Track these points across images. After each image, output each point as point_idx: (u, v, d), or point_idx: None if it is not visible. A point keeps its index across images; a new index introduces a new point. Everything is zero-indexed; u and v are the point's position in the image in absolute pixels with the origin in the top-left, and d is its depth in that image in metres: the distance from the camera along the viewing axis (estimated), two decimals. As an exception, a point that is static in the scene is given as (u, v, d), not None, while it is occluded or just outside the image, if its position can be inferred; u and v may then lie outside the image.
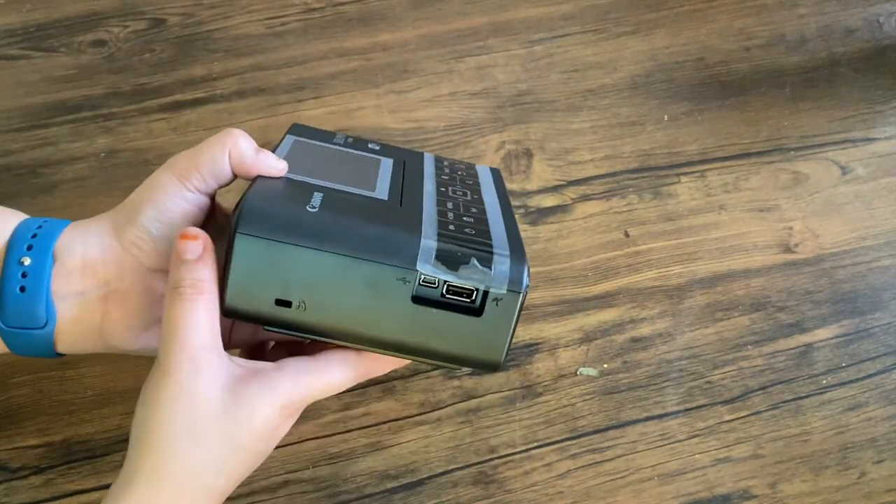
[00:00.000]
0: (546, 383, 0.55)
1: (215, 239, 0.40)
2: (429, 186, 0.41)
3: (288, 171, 0.38)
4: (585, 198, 0.62)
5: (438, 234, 0.35)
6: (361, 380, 0.38)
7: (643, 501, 0.52)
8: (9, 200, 0.58)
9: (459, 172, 0.46)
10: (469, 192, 0.43)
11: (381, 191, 0.39)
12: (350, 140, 0.46)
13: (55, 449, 0.51)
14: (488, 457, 0.53)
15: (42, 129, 0.61)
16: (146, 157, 0.61)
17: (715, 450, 0.54)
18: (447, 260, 0.34)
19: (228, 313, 0.35)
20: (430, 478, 0.52)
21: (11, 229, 0.35)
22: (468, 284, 0.34)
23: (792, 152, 0.65)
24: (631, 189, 0.63)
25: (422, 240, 0.34)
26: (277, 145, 0.42)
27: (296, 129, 0.45)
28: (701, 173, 0.64)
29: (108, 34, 0.66)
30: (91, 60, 0.65)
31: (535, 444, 0.53)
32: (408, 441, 0.53)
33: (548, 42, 0.68)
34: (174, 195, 0.36)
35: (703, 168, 0.64)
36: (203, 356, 0.34)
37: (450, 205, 0.40)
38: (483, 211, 0.40)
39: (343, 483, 0.51)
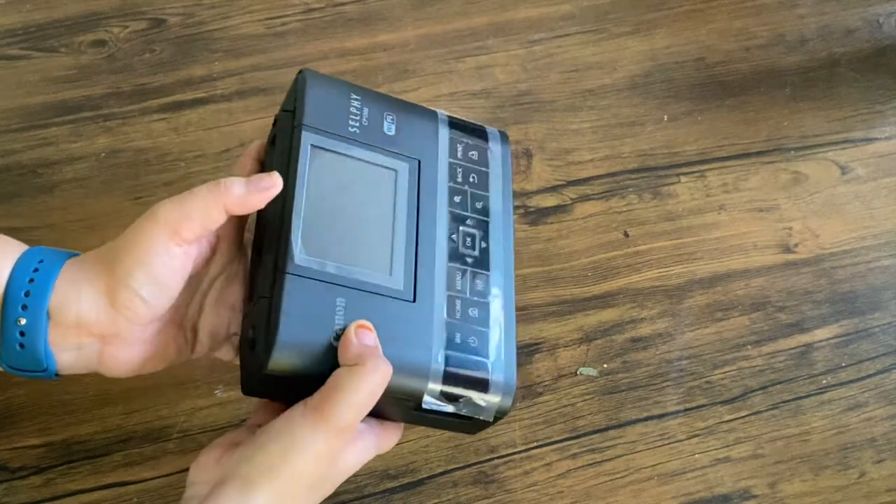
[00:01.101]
0: (546, 383, 0.55)
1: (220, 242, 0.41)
2: (441, 236, 0.42)
3: (306, 248, 0.38)
4: (585, 198, 0.62)
5: (445, 359, 0.39)
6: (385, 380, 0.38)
7: (643, 501, 0.52)
8: (9, 200, 0.58)
9: (472, 178, 0.45)
10: (478, 226, 0.44)
11: (397, 274, 0.40)
12: (366, 122, 0.42)
13: (55, 449, 0.51)
14: (488, 457, 0.53)
15: (42, 129, 0.61)
16: (146, 157, 0.61)
17: (715, 450, 0.54)
18: (451, 392, 0.39)
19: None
20: (430, 478, 0.52)
21: (6, 277, 0.36)
22: (463, 413, 0.40)
23: (792, 152, 0.65)
24: (631, 189, 0.63)
25: (430, 373, 0.38)
26: (291, 147, 0.40)
27: (310, 104, 0.41)
28: (701, 173, 0.64)
29: (109, 34, 0.66)
30: (91, 60, 0.65)
31: (535, 443, 0.53)
32: (408, 441, 0.53)
33: (548, 42, 0.68)
34: (163, 255, 0.36)
35: (703, 168, 0.64)
36: (358, 427, 0.37)
37: (458, 279, 0.42)
38: (488, 283, 0.42)
39: (343, 483, 0.51)
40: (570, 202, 0.62)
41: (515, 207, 0.61)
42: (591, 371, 0.56)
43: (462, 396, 0.39)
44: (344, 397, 0.35)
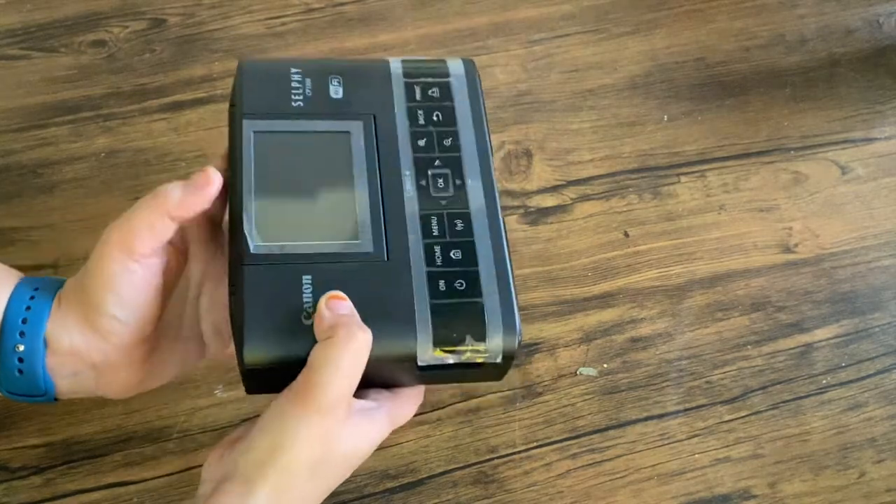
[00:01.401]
0: (546, 383, 0.55)
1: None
2: (408, 186, 0.40)
3: (260, 235, 0.37)
4: (585, 198, 0.62)
5: (431, 310, 0.37)
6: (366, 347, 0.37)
7: (643, 501, 0.52)
8: (9, 200, 0.58)
9: (435, 116, 0.42)
10: (448, 164, 0.41)
11: (364, 236, 0.38)
12: (309, 93, 0.41)
13: (55, 449, 0.51)
14: (488, 457, 0.53)
15: (42, 129, 0.61)
16: (146, 157, 0.61)
17: (715, 450, 0.54)
18: (445, 343, 0.36)
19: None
20: (430, 477, 0.52)
21: (2, 308, 0.37)
22: (468, 360, 0.37)
23: (792, 152, 0.65)
24: (631, 189, 0.63)
25: (417, 329, 0.36)
26: (236, 139, 0.39)
27: (248, 92, 0.40)
28: (701, 173, 0.64)
29: (109, 34, 0.66)
30: (91, 60, 0.65)
31: (535, 443, 0.53)
32: (408, 441, 0.53)
33: (548, 42, 0.68)
34: (123, 274, 0.36)
35: (703, 168, 0.64)
36: (352, 402, 0.36)
37: (435, 224, 0.39)
38: (469, 221, 0.40)
39: (343, 483, 0.51)
40: (570, 202, 0.62)
41: (515, 207, 0.61)
42: (591, 371, 0.56)
43: (459, 345, 0.36)
44: (323, 374, 0.34)
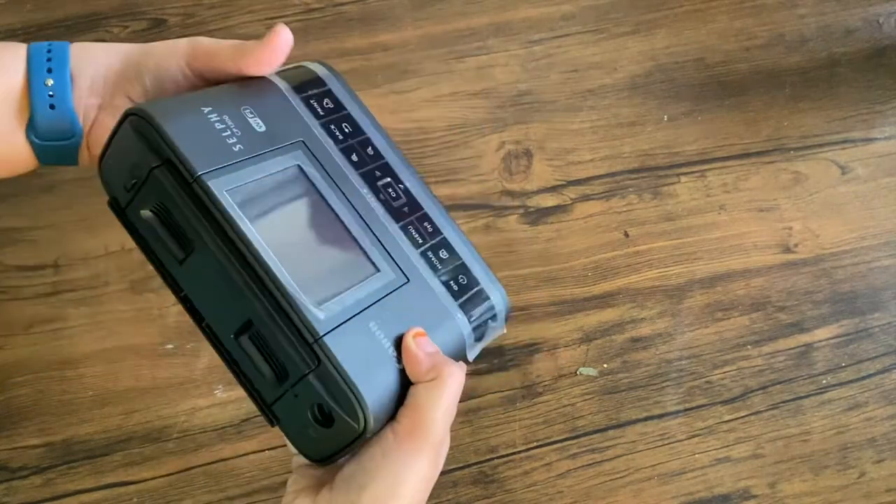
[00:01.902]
0: (546, 383, 0.55)
1: None
2: (373, 203, 0.39)
3: (314, 300, 0.34)
4: (585, 198, 0.62)
5: (461, 311, 0.39)
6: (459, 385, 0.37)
7: (643, 501, 0.52)
8: (9, 200, 0.58)
9: (345, 128, 0.41)
10: (385, 172, 0.41)
11: (381, 265, 0.37)
12: (238, 132, 0.37)
13: (55, 449, 0.51)
14: (488, 457, 0.53)
15: (42, 129, 0.61)
16: (146, 157, 0.61)
17: (715, 450, 0.54)
18: (478, 334, 0.39)
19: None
20: (430, 478, 0.52)
21: (24, 56, 0.39)
22: (490, 339, 0.40)
23: (792, 152, 0.65)
24: (631, 189, 0.63)
25: (463, 334, 0.38)
26: (206, 204, 0.34)
27: (186, 146, 0.34)
28: (701, 173, 0.64)
29: (109, 34, 0.66)
30: (91, 60, 0.65)
31: (535, 443, 0.53)
32: (408, 441, 0.53)
33: (548, 42, 0.68)
34: (176, 70, 0.39)
35: (703, 168, 0.64)
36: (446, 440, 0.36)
37: (414, 233, 0.40)
38: (431, 219, 0.41)
39: (343, 483, 0.51)
40: (570, 202, 0.62)
41: (515, 207, 0.61)
42: (591, 371, 0.56)
43: (486, 330, 0.39)
44: (433, 415, 0.34)
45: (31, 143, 0.39)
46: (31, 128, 0.39)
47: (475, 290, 0.40)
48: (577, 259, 0.59)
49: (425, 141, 0.63)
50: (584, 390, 0.55)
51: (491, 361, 0.55)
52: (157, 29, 0.66)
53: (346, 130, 0.41)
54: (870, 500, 0.53)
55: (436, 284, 0.38)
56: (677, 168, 0.64)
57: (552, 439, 0.53)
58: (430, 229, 0.40)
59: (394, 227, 0.39)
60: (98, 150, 0.38)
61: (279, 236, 0.34)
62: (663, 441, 0.54)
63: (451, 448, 0.52)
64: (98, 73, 0.39)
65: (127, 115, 0.34)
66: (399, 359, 0.35)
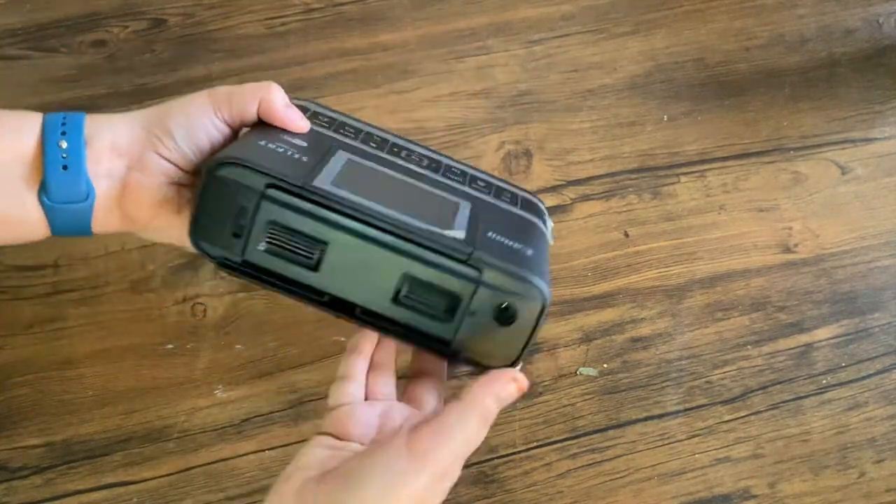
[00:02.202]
0: (546, 383, 0.55)
1: None
2: (412, 166, 0.44)
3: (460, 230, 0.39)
4: (585, 198, 0.62)
5: (536, 216, 0.44)
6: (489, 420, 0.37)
7: (643, 501, 0.52)
8: (9, 200, 0.58)
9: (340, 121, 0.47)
10: (428, 160, 0.46)
11: (458, 199, 0.42)
12: (306, 157, 0.41)
13: (55, 449, 0.51)
14: (488, 456, 0.53)
15: (42, 130, 0.61)
16: (146, 157, 0.61)
17: (715, 450, 0.54)
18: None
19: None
20: (429, 478, 0.52)
21: (39, 122, 0.40)
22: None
23: (791, 152, 0.65)
24: (631, 189, 0.63)
25: (546, 233, 0.44)
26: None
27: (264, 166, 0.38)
28: (700, 173, 0.64)
29: (109, 34, 0.66)
30: (91, 60, 0.65)
31: (535, 443, 0.53)
32: (408, 441, 0.53)
33: (548, 42, 0.68)
34: (203, 116, 0.41)
35: (703, 168, 0.64)
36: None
37: (452, 175, 0.45)
38: (463, 169, 0.47)
39: (343, 483, 0.51)
40: (570, 202, 0.62)
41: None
42: (591, 371, 0.56)
43: (548, 232, 0.45)
44: (455, 435, 0.34)
45: (43, 205, 0.39)
46: (44, 189, 0.39)
47: (524, 197, 0.45)
48: (577, 259, 0.59)
49: (425, 141, 0.63)
50: (584, 390, 0.55)
51: (491, 361, 0.55)
52: (157, 29, 0.66)
53: (352, 131, 0.45)
54: (870, 500, 0.53)
55: (498, 202, 0.44)
56: (677, 168, 0.64)
57: (552, 439, 0.53)
58: (460, 171, 0.46)
59: (438, 176, 0.44)
60: (134, 210, 0.40)
61: (383, 201, 0.38)
62: (663, 441, 0.54)
63: (451, 448, 0.52)
64: (119, 136, 0.40)
65: (212, 169, 0.37)
66: (527, 247, 0.39)
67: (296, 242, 0.38)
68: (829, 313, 0.59)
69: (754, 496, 0.53)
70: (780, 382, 0.56)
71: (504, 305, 0.38)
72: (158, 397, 0.53)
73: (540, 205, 0.47)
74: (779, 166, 0.64)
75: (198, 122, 0.41)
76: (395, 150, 0.46)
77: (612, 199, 0.62)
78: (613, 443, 0.54)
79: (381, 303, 0.38)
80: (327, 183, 0.38)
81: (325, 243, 0.37)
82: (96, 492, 0.50)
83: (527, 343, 0.39)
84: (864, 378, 0.57)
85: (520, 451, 0.53)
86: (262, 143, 0.39)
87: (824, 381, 0.57)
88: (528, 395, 0.55)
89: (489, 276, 0.37)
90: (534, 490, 0.52)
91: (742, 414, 0.55)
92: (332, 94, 0.64)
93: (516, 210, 0.45)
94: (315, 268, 0.38)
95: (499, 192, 0.46)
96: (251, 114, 0.41)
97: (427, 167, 0.45)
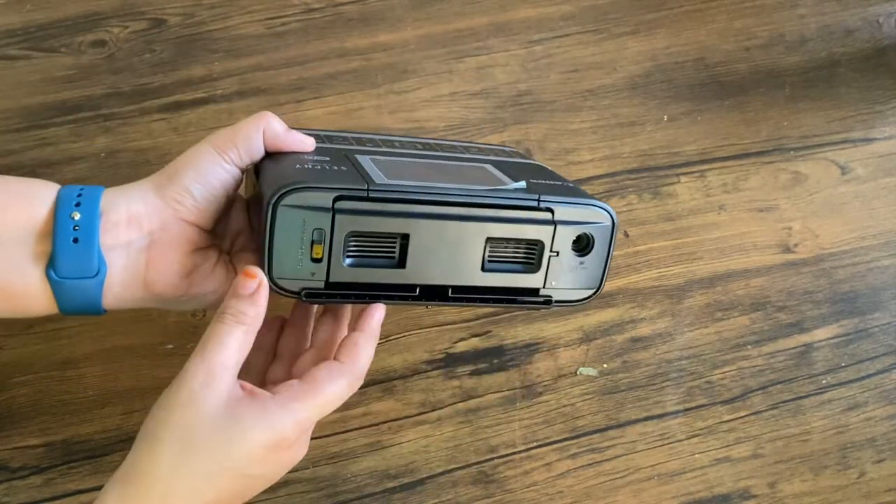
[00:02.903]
0: (546, 383, 0.55)
1: (234, 210, 0.44)
2: (422, 150, 0.46)
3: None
4: (585, 198, 0.62)
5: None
6: (356, 387, 0.39)
7: (643, 501, 0.52)
8: (9, 200, 0.58)
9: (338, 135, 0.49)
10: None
11: (508, 180, 0.42)
12: (339, 167, 0.42)
13: (55, 449, 0.51)
14: (488, 456, 0.53)
15: (42, 130, 0.61)
16: (146, 157, 0.61)
17: (715, 450, 0.54)
18: None
19: None
20: (429, 477, 0.52)
21: (54, 194, 0.38)
22: None
23: (791, 152, 0.65)
24: (631, 189, 0.63)
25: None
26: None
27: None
28: (700, 173, 0.64)
29: (109, 34, 0.66)
30: (91, 60, 0.65)
31: (535, 443, 0.53)
32: (408, 441, 0.53)
33: (548, 42, 0.68)
34: (212, 164, 0.40)
35: (703, 168, 0.64)
36: (219, 372, 0.36)
37: (458, 152, 0.49)
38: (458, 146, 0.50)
39: (343, 483, 0.51)
40: (570, 202, 0.62)
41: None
42: (591, 371, 0.56)
43: None
44: (325, 400, 0.37)
45: (50, 280, 0.37)
46: (51, 264, 0.37)
47: (508, 150, 0.49)
48: (577, 259, 0.60)
49: (425, 141, 0.63)
50: (584, 390, 0.55)
51: (491, 361, 0.55)
52: (157, 29, 0.66)
53: (343, 139, 0.47)
54: (870, 500, 0.53)
55: (502, 158, 0.47)
56: (677, 168, 0.64)
57: (552, 439, 0.53)
58: (450, 145, 0.48)
59: (443, 152, 0.46)
60: (162, 285, 0.39)
61: (436, 180, 0.40)
62: (663, 441, 0.54)
63: (451, 448, 0.52)
64: (134, 206, 0.39)
65: (275, 202, 0.36)
66: (564, 181, 0.42)
67: (378, 245, 0.38)
68: (829, 313, 0.59)
69: (754, 496, 0.53)
70: (780, 382, 0.56)
71: (580, 236, 0.40)
72: (158, 397, 0.53)
73: (519, 151, 0.50)
74: (779, 166, 0.64)
75: (210, 172, 0.40)
76: (389, 143, 0.47)
77: (612, 199, 0.62)
78: (613, 443, 0.54)
79: (471, 275, 0.39)
80: (384, 179, 0.38)
81: (406, 236, 0.38)
82: (96, 492, 0.50)
83: (606, 264, 0.41)
84: (864, 378, 0.57)
85: (520, 451, 0.53)
86: (297, 167, 0.39)
87: (824, 381, 0.57)
88: (528, 395, 0.55)
89: (561, 213, 0.39)
90: (534, 490, 0.52)
91: (742, 414, 0.55)
92: (332, 94, 0.64)
93: (518, 160, 0.47)
94: (402, 264, 0.38)
95: (492, 152, 0.48)
96: (258, 148, 0.41)
97: (427, 148, 0.46)
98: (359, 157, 0.43)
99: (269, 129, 0.41)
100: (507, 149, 0.51)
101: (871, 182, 0.64)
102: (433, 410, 0.53)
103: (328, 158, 0.42)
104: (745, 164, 0.64)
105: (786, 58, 0.69)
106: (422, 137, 0.49)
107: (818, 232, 0.62)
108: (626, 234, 0.61)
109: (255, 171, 0.42)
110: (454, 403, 0.54)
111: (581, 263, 0.40)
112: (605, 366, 0.56)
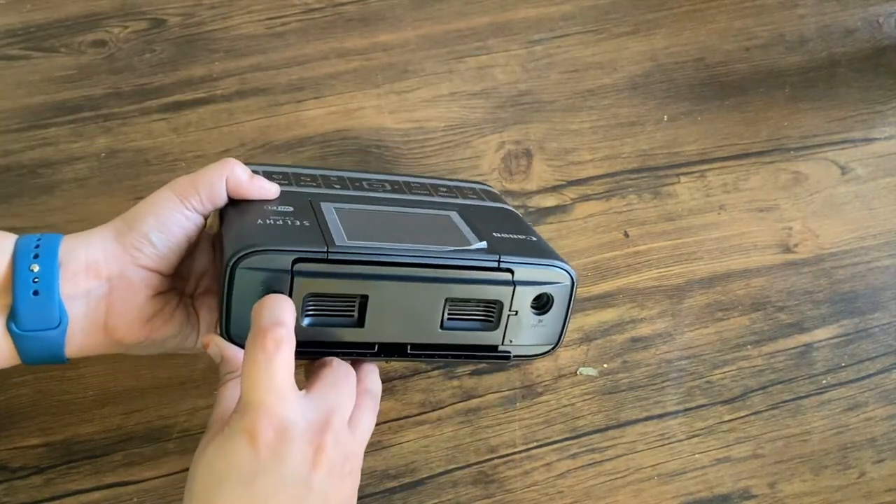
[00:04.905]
0: (546, 383, 0.55)
1: (199, 251, 0.44)
2: (384, 195, 0.45)
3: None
4: (585, 198, 0.62)
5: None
6: (375, 411, 0.40)
7: (643, 501, 0.52)
8: (9, 200, 0.58)
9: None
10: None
11: (469, 235, 0.42)
12: (302, 221, 0.41)
13: (55, 449, 0.51)
14: (488, 456, 0.53)
15: (42, 130, 0.61)
16: (146, 157, 0.61)
17: (715, 450, 0.54)
18: None
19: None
20: (430, 478, 0.52)
21: (12, 245, 0.38)
22: None
23: (791, 152, 0.65)
24: (631, 189, 0.63)
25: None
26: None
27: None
28: (701, 173, 0.64)
29: (109, 34, 0.66)
30: (91, 60, 0.65)
31: (535, 443, 0.53)
32: (408, 441, 0.53)
33: (548, 42, 0.68)
34: (174, 211, 0.40)
35: (703, 168, 0.64)
36: (290, 427, 0.34)
37: (419, 195, 0.48)
38: (421, 183, 0.50)
39: (343, 483, 0.51)
40: (570, 202, 0.62)
41: (515, 207, 0.61)
42: (591, 371, 0.56)
43: None
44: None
45: (11, 333, 0.37)
46: (12, 317, 0.36)
47: (480, 189, 0.50)
48: (577, 259, 0.59)
49: (425, 141, 0.63)
50: (584, 390, 0.55)
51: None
52: (157, 29, 0.66)
53: (310, 179, 0.47)
54: (870, 500, 0.53)
55: (472, 202, 0.47)
56: (677, 168, 0.64)
57: (552, 439, 0.53)
58: (419, 183, 0.48)
59: (410, 195, 0.47)
60: (124, 332, 0.39)
61: (397, 239, 0.39)
62: (663, 441, 0.54)
63: (451, 448, 0.52)
64: (93, 253, 0.38)
65: (233, 264, 0.36)
66: (529, 234, 0.43)
67: (336, 306, 0.38)
68: (829, 313, 0.59)
69: (754, 496, 0.53)
70: (780, 382, 0.56)
71: (539, 295, 0.40)
72: (158, 397, 0.53)
73: (493, 189, 0.50)
74: (779, 166, 0.64)
75: (170, 218, 0.39)
76: (357, 183, 0.47)
77: (612, 199, 0.62)
78: (613, 443, 0.54)
79: (429, 334, 0.39)
80: (344, 239, 0.38)
81: (365, 297, 0.38)
82: (96, 492, 0.50)
83: (565, 321, 0.41)
84: (864, 378, 0.57)
85: (520, 451, 0.53)
86: (259, 222, 0.39)
87: (824, 381, 0.57)
88: (528, 395, 0.55)
89: (521, 273, 0.39)
90: (534, 490, 0.52)
91: (742, 414, 0.55)
92: (331, 94, 0.64)
93: (489, 203, 0.48)
94: (361, 323, 0.38)
95: (462, 193, 0.48)
96: (221, 195, 0.41)
97: (395, 190, 0.46)
98: (323, 205, 0.42)
99: (233, 177, 0.41)
100: (480, 187, 0.51)
101: (871, 182, 0.64)
102: (433, 410, 0.54)
103: (291, 209, 0.41)
104: (745, 164, 0.64)
105: (786, 58, 0.69)
106: (391, 174, 0.49)
107: (818, 232, 0.62)
108: (626, 234, 0.61)
109: (220, 215, 0.42)
110: (454, 403, 0.54)
111: (540, 321, 0.41)
112: (605, 366, 0.56)
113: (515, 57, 0.67)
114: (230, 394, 0.38)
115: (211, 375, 0.54)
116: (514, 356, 0.42)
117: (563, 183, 0.62)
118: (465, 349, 0.40)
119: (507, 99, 0.65)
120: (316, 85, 0.65)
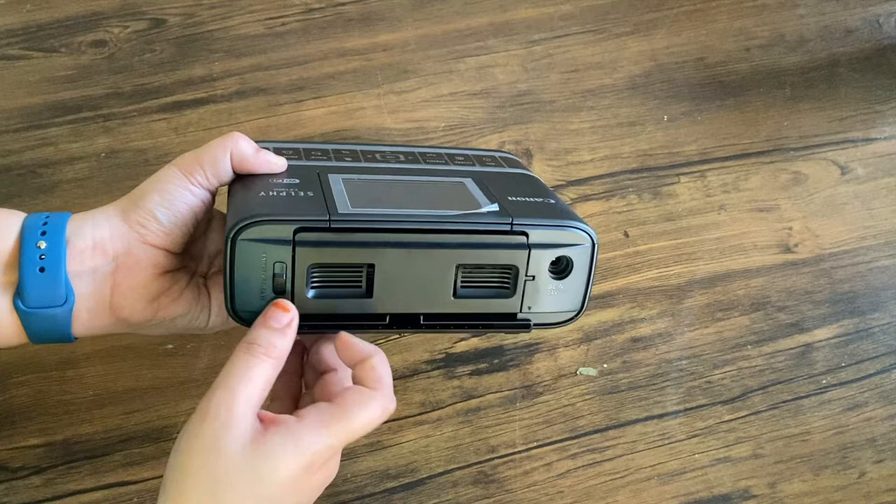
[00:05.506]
0: (546, 383, 0.55)
1: (212, 231, 0.44)
2: (395, 165, 0.44)
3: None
4: (585, 198, 0.62)
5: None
6: (390, 409, 0.38)
7: (643, 501, 0.52)
8: (9, 200, 0.58)
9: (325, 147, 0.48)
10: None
11: (482, 199, 0.40)
12: (307, 191, 0.41)
13: (55, 449, 0.51)
14: (488, 456, 0.53)
15: (42, 130, 0.61)
16: (146, 157, 0.61)
17: (715, 450, 0.54)
18: None
19: None
20: (430, 478, 0.52)
21: (19, 223, 0.38)
22: None
23: (791, 152, 0.65)
24: (631, 189, 0.63)
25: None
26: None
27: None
28: (700, 173, 0.64)
29: (109, 34, 0.66)
30: (91, 60, 0.65)
31: (535, 443, 0.53)
32: (408, 441, 0.53)
33: (548, 42, 0.68)
34: (179, 187, 0.39)
35: (703, 168, 0.64)
36: (242, 411, 0.35)
37: (430, 161, 0.48)
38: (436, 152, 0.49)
39: (343, 483, 0.51)
40: (570, 202, 0.62)
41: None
42: (591, 371, 0.56)
43: None
44: (354, 416, 0.36)
45: (18, 310, 0.37)
46: (18, 294, 0.36)
47: (500, 156, 0.48)
48: (577, 259, 0.59)
49: (425, 141, 0.63)
50: (584, 390, 0.55)
51: (491, 361, 0.55)
52: (157, 29, 0.66)
53: (321, 153, 0.46)
54: (870, 500, 0.53)
55: (489, 169, 0.45)
56: (677, 168, 0.64)
57: (552, 439, 0.53)
58: (435, 153, 0.47)
59: (424, 165, 0.45)
60: (129, 310, 0.39)
61: (405, 205, 0.38)
62: (663, 441, 0.54)
63: (451, 448, 0.52)
64: (100, 232, 0.38)
65: (234, 235, 0.36)
66: (547, 197, 0.41)
67: (342, 276, 0.37)
68: (828, 313, 0.59)
69: (754, 496, 0.53)
70: (779, 382, 0.56)
71: (558, 259, 0.38)
72: (158, 397, 0.53)
73: (515, 157, 0.48)
74: (779, 166, 0.64)
75: (175, 195, 0.39)
76: (369, 155, 0.45)
77: (612, 199, 0.62)
78: (613, 443, 0.54)
79: (442, 302, 0.38)
80: (348, 207, 0.37)
81: (371, 266, 0.36)
82: (96, 492, 0.50)
83: (587, 287, 0.39)
84: (864, 378, 0.57)
85: (520, 451, 0.53)
86: (262, 194, 0.38)
87: (824, 381, 0.57)
88: (528, 395, 0.55)
89: (536, 236, 0.37)
90: (534, 490, 0.52)
91: (742, 414, 0.55)
92: (331, 94, 0.64)
93: (507, 169, 0.45)
94: (369, 293, 0.37)
95: (481, 160, 0.46)
96: (226, 170, 0.40)
97: (408, 161, 0.45)
98: (331, 176, 0.41)
99: (237, 151, 0.40)
100: (500, 154, 0.49)
101: (871, 182, 0.64)
102: (433, 410, 0.54)
103: (297, 181, 0.40)
104: (745, 164, 0.64)
105: (786, 58, 0.69)
106: (407, 146, 0.47)
107: (818, 232, 0.62)
108: (626, 234, 0.61)
109: (229, 192, 0.42)
110: (454, 403, 0.54)
111: (560, 286, 0.39)
112: (605, 366, 0.56)
113: (515, 57, 0.67)
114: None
115: (211, 375, 0.54)
116: (535, 324, 0.40)
117: (563, 183, 0.62)
118: (482, 318, 0.39)
119: (507, 99, 0.65)
120: (316, 85, 0.65)
